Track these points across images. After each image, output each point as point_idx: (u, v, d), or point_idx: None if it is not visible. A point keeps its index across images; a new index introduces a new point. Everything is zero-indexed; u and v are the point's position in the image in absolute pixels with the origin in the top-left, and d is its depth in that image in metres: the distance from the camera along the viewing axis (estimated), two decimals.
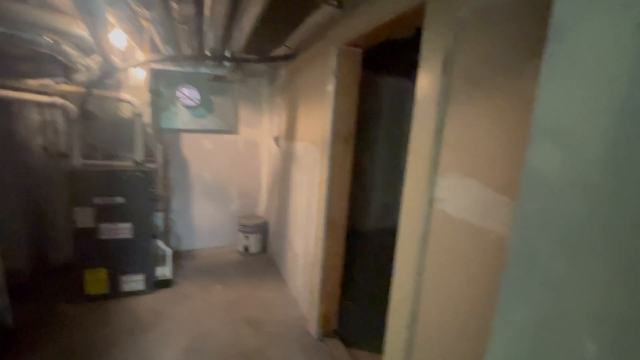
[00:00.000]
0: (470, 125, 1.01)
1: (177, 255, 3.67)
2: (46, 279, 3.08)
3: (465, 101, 1.03)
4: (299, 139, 2.83)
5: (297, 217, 2.92)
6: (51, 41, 2.26)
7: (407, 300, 1.24)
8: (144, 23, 2.24)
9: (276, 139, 3.61)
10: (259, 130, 4.02)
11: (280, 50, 2.73)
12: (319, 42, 2.31)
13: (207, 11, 1.94)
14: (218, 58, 2.71)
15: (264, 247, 4.02)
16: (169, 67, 3.06)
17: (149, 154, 3.11)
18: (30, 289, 2.88)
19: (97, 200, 2.69)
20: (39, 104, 2.81)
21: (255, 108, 3.95)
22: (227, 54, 2.76)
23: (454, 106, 1.07)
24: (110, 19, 2.06)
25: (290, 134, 3.12)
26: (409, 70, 3.32)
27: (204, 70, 3.16)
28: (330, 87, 2.08)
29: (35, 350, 2.22)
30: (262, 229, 3.95)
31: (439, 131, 1.12)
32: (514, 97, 0.88)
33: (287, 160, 3.23)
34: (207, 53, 2.69)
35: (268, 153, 3.99)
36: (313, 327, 2.46)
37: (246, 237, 3.88)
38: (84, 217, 2.68)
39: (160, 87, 3.41)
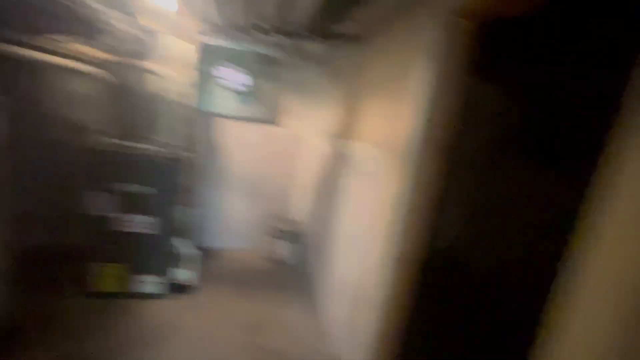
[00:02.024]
0: None
1: (202, 254, 3.29)
2: (55, 266, 2.78)
3: None
4: (360, 139, 2.28)
5: (346, 235, 2.38)
6: None
7: None
8: None
9: (327, 135, 3.08)
10: (307, 124, 3.52)
11: (347, 27, 2.20)
12: (404, 16, 1.74)
13: None
14: (273, 31, 2.23)
15: (298, 259, 3.53)
16: (216, 41, 2.64)
17: (182, 139, 2.71)
18: (37, 276, 2.59)
19: (117, 187, 2.32)
20: (66, 70, 2.48)
21: (304, 97, 3.45)
22: (285, 27, 2.27)
23: None
24: None
25: (347, 131, 2.57)
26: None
27: (253, 48, 2.71)
28: (422, 75, 1.51)
29: (32, 350, 1.88)
30: (297, 237, 3.46)
31: None
32: None
33: (339, 163, 2.70)
34: (262, 25, 2.21)
35: (313, 150, 3.48)
36: None
37: (278, 243, 3.41)
38: (99, 204, 2.32)
39: (206, 65, 3.00)
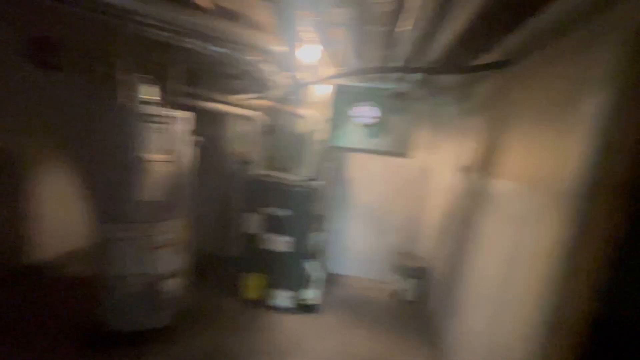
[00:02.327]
0: None
1: (327, 278, 3.47)
2: (216, 270, 3.46)
3: None
4: (504, 176, 2.01)
5: (480, 281, 2.10)
6: (253, 59, 2.42)
7: None
8: (334, 32, 2.07)
9: (460, 170, 2.86)
10: (437, 157, 3.36)
11: (488, 57, 2.04)
12: (572, 34, 1.49)
13: (409, 4, 1.53)
14: (407, 69, 2.29)
15: (422, 297, 3.29)
16: (350, 82, 2.91)
17: (317, 171, 3.03)
18: (205, 276, 3.27)
19: (266, 210, 2.76)
20: (238, 116, 3.20)
21: (437, 130, 3.33)
22: (418, 65, 2.30)
23: None
24: (303, 34, 1.99)
25: (487, 166, 2.32)
26: None
27: (385, 85, 2.84)
28: (594, 102, 1.24)
29: (189, 337, 2.38)
30: (422, 274, 3.24)
31: None
32: None
33: (476, 201, 2.44)
34: (395, 64, 2.31)
35: (444, 185, 3.26)
36: None
37: (402, 278, 3.28)
38: (252, 223, 2.80)
39: (339, 103, 3.33)
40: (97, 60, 2.98)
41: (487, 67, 2.08)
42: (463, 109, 3.08)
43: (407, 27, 1.75)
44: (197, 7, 1.96)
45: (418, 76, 2.67)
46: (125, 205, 2.07)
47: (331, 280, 3.48)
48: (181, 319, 2.49)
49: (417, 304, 3.26)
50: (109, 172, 2.07)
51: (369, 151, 3.41)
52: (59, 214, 3.27)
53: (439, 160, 3.35)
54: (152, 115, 2.06)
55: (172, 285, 2.33)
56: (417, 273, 3.23)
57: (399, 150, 3.35)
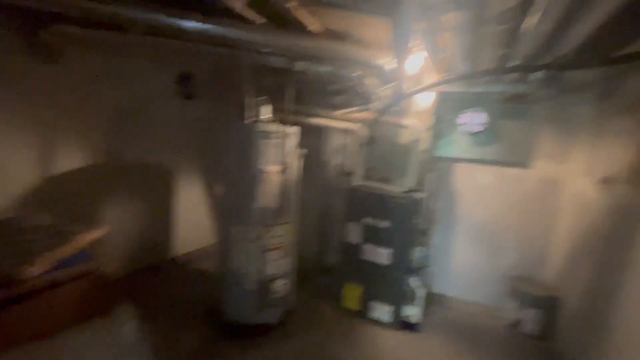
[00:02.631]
0: None
1: (427, 297, 3.27)
2: (315, 277, 3.61)
3: None
4: None
5: None
6: (358, 74, 2.51)
7: None
8: (444, 38, 1.99)
9: (603, 182, 2.36)
10: (565, 166, 2.85)
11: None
12: None
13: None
14: (529, 68, 2.04)
15: (547, 331, 2.78)
16: (456, 88, 2.74)
17: (420, 182, 2.91)
18: (305, 282, 3.45)
19: (366, 220, 2.77)
20: (339, 130, 3.34)
21: (565, 135, 2.84)
22: (543, 61, 2.02)
23: None
24: (411, 43, 1.97)
25: (635, 176, 1.87)
26: None
27: (498, 88, 2.57)
28: None
29: (294, 337, 2.53)
30: (547, 305, 2.75)
31: None
32: None
33: (624, 219, 1.98)
34: (514, 64, 2.08)
35: (575, 199, 2.74)
36: None
37: (520, 307, 2.84)
38: (353, 233, 2.84)
39: (442, 111, 3.16)
40: (224, 88, 3.55)
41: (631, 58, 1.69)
42: (604, 109, 2.56)
43: (533, 22, 1.57)
44: (309, 33, 2.15)
45: (540, 75, 2.35)
46: (245, 210, 2.37)
47: (432, 299, 3.25)
48: (287, 318, 2.67)
49: (541, 339, 2.77)
50: (235, 182, 2.42)
51: (477, 161, 3.11)
52: (193, 217, 3.95)
53: (568, 171, 2.84)
54: (269, 132, 2.33)
55: (280, 286, 2.53)
56: (542, 302, 2.75)
57: (515, 160, 2.96)
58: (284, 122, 2.50)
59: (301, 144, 2.60)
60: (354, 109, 3.11)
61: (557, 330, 2.71)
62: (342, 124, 3.16)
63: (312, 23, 2.10)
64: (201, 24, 1.87)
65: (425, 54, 2.26)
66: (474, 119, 3.02)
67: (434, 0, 1.42)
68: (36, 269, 1.06)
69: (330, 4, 1.77)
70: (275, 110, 2.55)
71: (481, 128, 2.94)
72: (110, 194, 2.98)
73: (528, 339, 2.79)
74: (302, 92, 3.51)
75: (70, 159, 2.64)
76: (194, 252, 3.89)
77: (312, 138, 3.58)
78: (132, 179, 3.17)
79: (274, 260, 2.47)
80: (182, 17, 1.84)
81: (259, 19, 2.04)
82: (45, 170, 2.47)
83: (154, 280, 3.18)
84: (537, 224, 2.98)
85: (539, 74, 2.32)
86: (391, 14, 1.46)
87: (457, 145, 3.12)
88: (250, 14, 1.97)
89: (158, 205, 3.50)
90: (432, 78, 2.61)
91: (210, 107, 3.86)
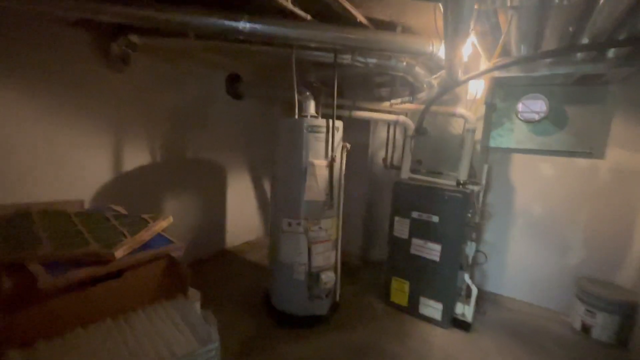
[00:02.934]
0: None
1: (480, 295, 3.11)
2: (364, 271, 3.60)
3: None
4: None
5: None
6: (406, 64, 2.44)
7: None
8: (503, 19, 1.86)
9: None
10: None
11: None
12: None
13: None
14: (604, 44, 1.83)
15: (623, 338, 2.50)
16: (512, 73, 2.54)
17: (472, 174, 2.76)
18: (351, 275, 3.45)
19: (414, 214, 2.70)
20: (385, 122, 3.28)
21: None
22: (622, 36, 1.80)
23: None
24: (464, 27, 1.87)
25: None
26: None
27: (565, 70, 2.33)
28: None
29: (342, 329, 2.55)
30: (623, 309, 2.47)
31: None
32: None
33: None
34: (585, 41, 1.88)
35: None
36: None
37: (589, 311, 2.58)
38: (401, 228, 2.79)
39: (497, 99, 2.95)
40: (269, 87, 3.65)
41: None
42: None
43: None
44: (356, 24, 2.14)
45: (613, 53, 2.10)
46: (295, 203, 2.44)
47: (484, 297, 3.08)
48: (335, 311, 2.71)
49: (616, 347, 2.49)
50: (284, 176, 2.50)
51: (537, 151, 2.87)
52: (243, 211, 4.15)
53: None
54: (316, 127, 2.36)
55: (328, 278, 2.56)
56: (615, 307, 2.48)
57: (584, 149, 2.68)
58: (329, 116, 2.52)
59: (347, 138, 2.60)
60: (400, 100, 3.03)
61: (634, 338, 2.43)
62: (389, 116, 3.09)
63: (357, 14, 2.08)
64: (252, 23, 1.95)
65: (474, 39, 2.14)
66: (534, 106, 2.79)
67: None
68: (121, 251, 1.21)
69: None
70: (321, 105, 2.58)
71: (543, 115, 2.70)
72: (170, 189, 3.25)
73: (600, 346, 2.53)
74: (347, 85, 3.51)
75: (136, 158, 2.91)
76: (243, 244, 4.09)
77: (358, 131, 3.56)
78: (189, 176, 3.42)
79: (321, 252, 2.51)
80: (234, 20, 1.93)
81: (306, 16, 2.07)
82: (115, 168, 2.75)
83: (209, 271, 3.40)
84: (611, 221, 2.68)
85: (615, 51, 2.07)
86: None
87: (514, 135, 2.90)
88: (298, 11, 2.01)
89: (212, 199, 3.74)
90: (482, 65, 2.46)
91: (257, 106, 4.02)
